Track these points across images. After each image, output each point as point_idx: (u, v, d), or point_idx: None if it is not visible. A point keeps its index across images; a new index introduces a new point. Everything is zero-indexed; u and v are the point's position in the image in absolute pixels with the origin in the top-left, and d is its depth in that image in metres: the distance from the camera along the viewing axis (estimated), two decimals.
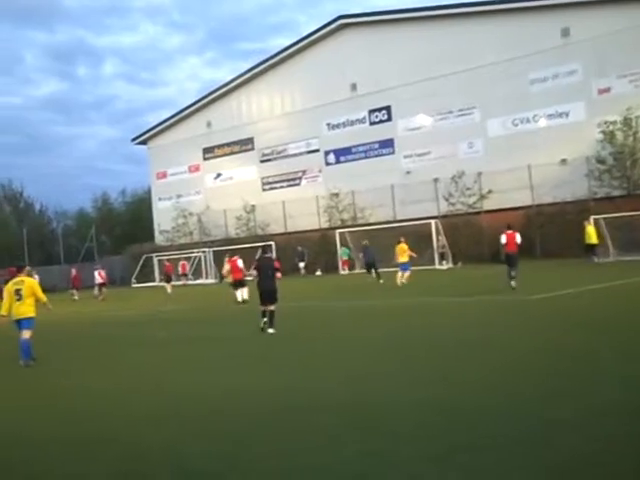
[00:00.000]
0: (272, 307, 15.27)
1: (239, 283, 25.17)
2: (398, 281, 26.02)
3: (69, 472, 6.10)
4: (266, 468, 5.71)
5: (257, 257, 18.00)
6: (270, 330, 15.05)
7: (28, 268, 14.30)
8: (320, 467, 5.60)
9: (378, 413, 7.23)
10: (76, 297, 38.58)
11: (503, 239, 21.36)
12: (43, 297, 13.54)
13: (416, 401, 7.59)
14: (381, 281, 28.95)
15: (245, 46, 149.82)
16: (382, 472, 5.36)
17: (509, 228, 21.62)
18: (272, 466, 5.74)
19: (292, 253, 43.63)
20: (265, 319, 15.23)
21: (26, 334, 13.05)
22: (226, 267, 26.81)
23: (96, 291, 37.40)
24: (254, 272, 15.96)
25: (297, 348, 12.74)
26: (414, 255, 28.26)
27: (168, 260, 42.41)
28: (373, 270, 30.51)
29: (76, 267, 45.02)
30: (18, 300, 13.09)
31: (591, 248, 30.64)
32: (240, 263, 25.22)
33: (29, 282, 13.43)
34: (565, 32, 38.42)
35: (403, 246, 27.03)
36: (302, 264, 43.19)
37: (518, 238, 21.19)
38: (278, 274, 16.26)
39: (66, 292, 40.71)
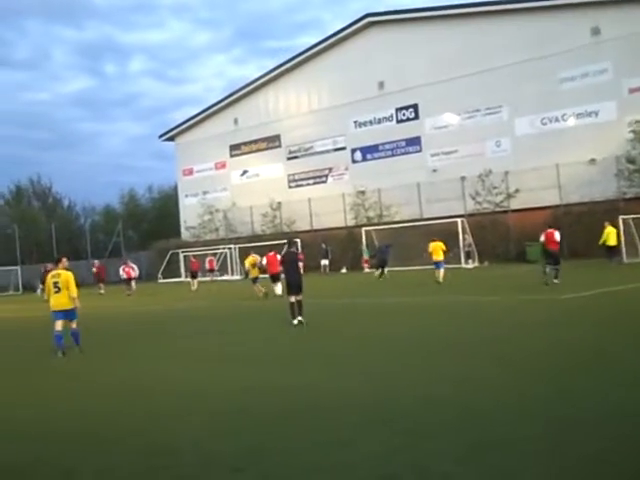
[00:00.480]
0: (299, 297, 15.94)
1: (275, 277, 25.97)
2: (440, 279, 26.40)
3: (97, 467, 6.12)
4: (289, 465, 5.71)
5: (283, 252, 18.44)
6: (299, 318, 15.74)
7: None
8: (340, 465, 5.59)
9: (398, 412, 7.20)
10: (102, 291, 38.90)
11: (542, 237, 22.14)
12: (74, 291, 13.81)
13: (436, 399, 7.54)
14: (380, 278, 31.83)
15: (271, 44, 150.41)
16: (401, 472, 5.35)
17: (549, 227, 22.43)
18: (295, 463, 5.74)
19: (317, 250, 43.60)
20: (295, 321, 15.73)
21: (72, 324, 13.83)
22: (259, 261, 27.15)
23: (133, 286, 37.37)
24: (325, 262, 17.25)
25: (318, 345, 12.70)
26: (448, 254, 28.87)
27: (194, 256, 42.60)
28: (381, 269, 32.76)
29: (99, 261, 45.57)
30: (57, 292, 13.72)
31: (610, 250, 29.98)
32: (278, 258, 25.62)
33: (65, 275, 13.80)
34: (595, 31, 38.08)
35: (439, 244, 27.35)
36: (326, 261, 43.16)
37: (557, 236, 21.92)
38: (300, 264, 17.09)
39: (93, 286, 40.98)
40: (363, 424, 6.78)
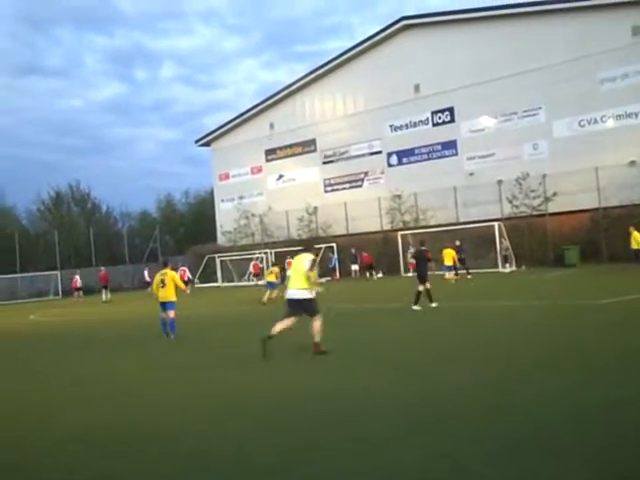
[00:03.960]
0: (428, 285, 19.44)
1: None
2: (453, 280, 31.25)
3: (136, 470, 6.18)
4: (326, 469, 5.69)
5: (414, 249, 22.86)
6: (433, 304, 19.24)
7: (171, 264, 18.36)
8: (377, 471, 5.57)
9: (440, 414, 7.15)
10: (104, 297, 40.33)
11: None
12: (182, 285, 17.80)
13: (478, 403, 7.48)
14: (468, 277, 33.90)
15: (300, 48, 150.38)
16: (443, 475, 5.31)
17: None
18: (332, 467, 5.72)
19: (347, 255, 44.05)
20: (415, 305, 19.20)
21: (171, 314, 16.83)
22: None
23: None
24: (413, 260, 22.94)
25: (357, 349, 12.63)
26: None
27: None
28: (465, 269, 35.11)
29: (105, 267, 46.45)
30: (162, 287, 16.98)
31: (638, 253, 29.84)
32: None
33: (171, 274, 17.29)
34: (636, 30, 37.50)
35: (450, 251, 32.31)
36: (355, 266, 43.24)
37: None
38: (430, 263, 21.00)
39: (130, 291, 41.45)
40: (408, 427, 6.75)
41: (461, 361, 10.33)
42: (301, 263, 12.48)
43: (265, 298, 26.42)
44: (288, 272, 29.15)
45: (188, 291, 17.68)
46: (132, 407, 9.00)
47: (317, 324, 12.03)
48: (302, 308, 12.21)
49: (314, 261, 12.63)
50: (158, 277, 17.23)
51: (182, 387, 10.15)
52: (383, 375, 9.76)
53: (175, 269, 18.08)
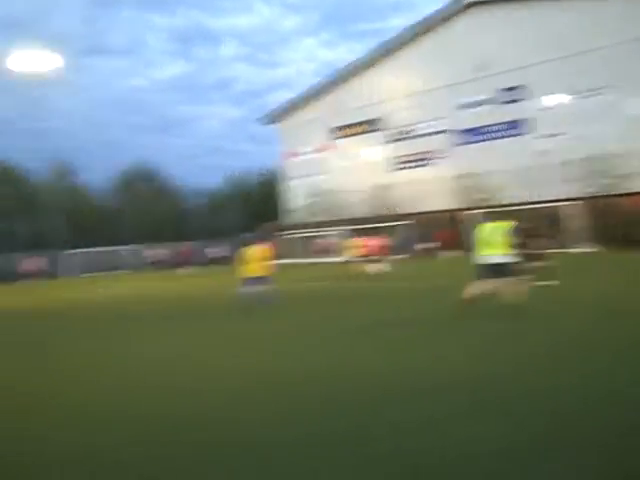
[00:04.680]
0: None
1: (375, 259, 29.52)
2: None
3: (156, 454, 6.14)
4: (381, 450, 5.75)
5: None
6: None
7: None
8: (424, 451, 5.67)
9: (503, 396, 7.13)
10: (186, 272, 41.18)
11: None
12: (268, 260, 17.61)
13: (540, 387, 7.41)
14: None
15: (360, 27, 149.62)
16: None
17: None
18: (389, 447, 5.79)
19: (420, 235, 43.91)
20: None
21: (265, 287, 17.21)
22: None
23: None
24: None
25: (417, 328, 12.39)
26: None
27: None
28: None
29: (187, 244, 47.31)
30: (249, 263, 17.29)
31: None
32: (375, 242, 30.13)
33: (259, 249, 17.61)
34: None
35: None
36: (425, 245, 43.15)
37: None
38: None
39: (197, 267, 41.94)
40: (468, 405, 6.81)
41: (549, 348, 10.09)
42: (499, 232, 12.96)
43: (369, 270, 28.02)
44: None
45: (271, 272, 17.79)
46: (146, 393, 8.76)
47: (513, 287, 12.77)
48: (501, 272, 12.70)
49: (515, 229, 13.20)
50: (247, 252, 17.55)
51: (211, 370, 10.07)
52: (448, 353, 9.69)
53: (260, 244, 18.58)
